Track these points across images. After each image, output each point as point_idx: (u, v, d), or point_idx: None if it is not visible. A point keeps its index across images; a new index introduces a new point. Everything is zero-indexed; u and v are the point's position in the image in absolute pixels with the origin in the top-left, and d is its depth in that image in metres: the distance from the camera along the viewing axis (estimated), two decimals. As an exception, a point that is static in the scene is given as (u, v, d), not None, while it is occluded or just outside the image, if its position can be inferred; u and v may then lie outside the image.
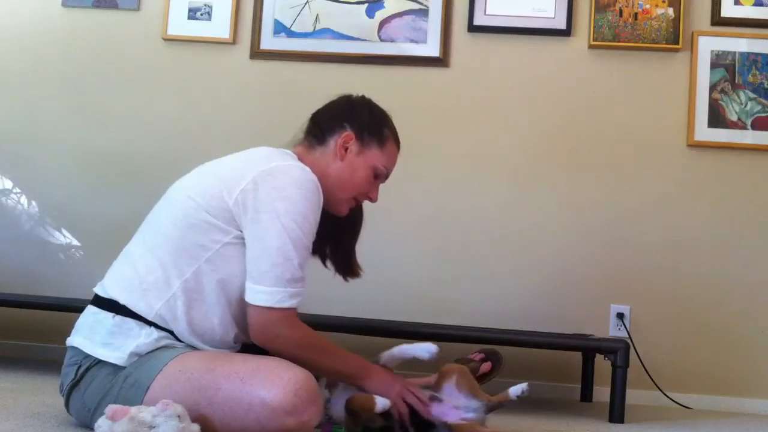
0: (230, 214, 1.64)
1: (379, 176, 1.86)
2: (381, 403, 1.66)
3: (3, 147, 3.32)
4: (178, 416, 1.41)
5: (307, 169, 1.69)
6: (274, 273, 1.61)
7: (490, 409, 1.77)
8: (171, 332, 1.63)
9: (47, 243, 3.26)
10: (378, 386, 1.73)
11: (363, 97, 1.92)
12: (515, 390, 1.76)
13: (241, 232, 1.64)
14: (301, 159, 1.78)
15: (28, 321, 3.17)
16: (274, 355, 1.64)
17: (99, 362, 1.61)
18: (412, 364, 1.87)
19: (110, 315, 1.63)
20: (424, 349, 1.78)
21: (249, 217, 1.63)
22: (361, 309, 2.99)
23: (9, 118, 3.33)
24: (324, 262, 1.93)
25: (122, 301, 1.63)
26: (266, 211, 1.62)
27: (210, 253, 1.64)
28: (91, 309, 1.69)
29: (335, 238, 1.91)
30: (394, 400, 1.71)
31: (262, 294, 1.61)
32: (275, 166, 1.66)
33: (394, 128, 1.90)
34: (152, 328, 1.61)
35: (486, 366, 2.10)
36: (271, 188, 1.63)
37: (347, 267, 1.96)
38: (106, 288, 1.68)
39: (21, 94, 3.33)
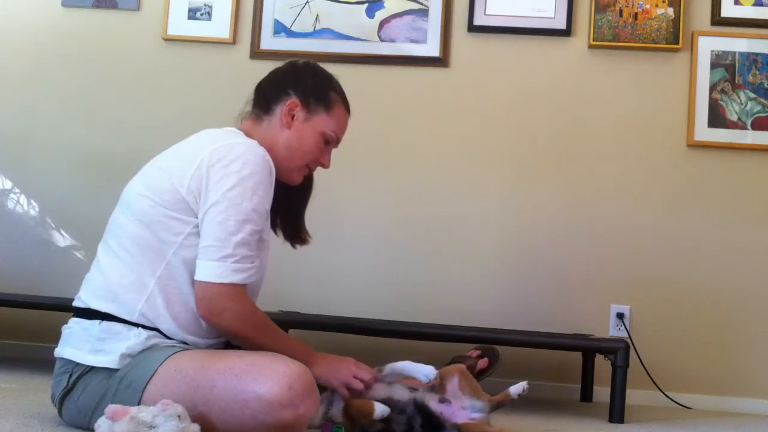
0: (186, 204, 1.63)
1: (330, 142, 1.83)
2: (380, 409, 1.65)
3: (3, 147, 3.32)
4: (178, 416, 1.41)
5: (254, 143, 1.68)
6: (215, 247, 1.60)
7: (493, 408, 1.78)
8: (158, 330, 1.63)
9: (47, 243, 3.26)
10: (323, 371, 1.70)
11: (307, 62, 1.89)
12: (516, 389, 1.77)
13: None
14: (248, 134, 1.77)
15: (28, 321, 3.16)
16: (223, 334, 1.63)
17: (91, 369, 1.61)
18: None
19: (96, 322, 1.63)
20: (423, 373, 1.73)
21: (201, 199, 1.62)
22: (361, 309, 2.99)
23: (9, 118, 3.33)
24: (275, 231, 1.91)
25: (103, 309, 1.63)
26: (214, 190, 1.61)
27: (175, 247, 1.63)
28: (74, 320, 1.68)
29: (285, 205, 1.89)
30: (336, 387, 1.70)
31: (205, 269, 1.60)
32: (221, 146, 1.65)
33: (342, 91, 1.86)
34: (139, 328, 1.61)
35: (483, 362, 2.11)
36: (219, 168, 1.62)
37: (296, 234, 1.93)
38: (83, 300, 1.68)
39: (21, 95, 3.33)
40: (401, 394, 1.75)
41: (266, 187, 1.66)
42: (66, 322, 1.71)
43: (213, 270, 1.60)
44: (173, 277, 1.64)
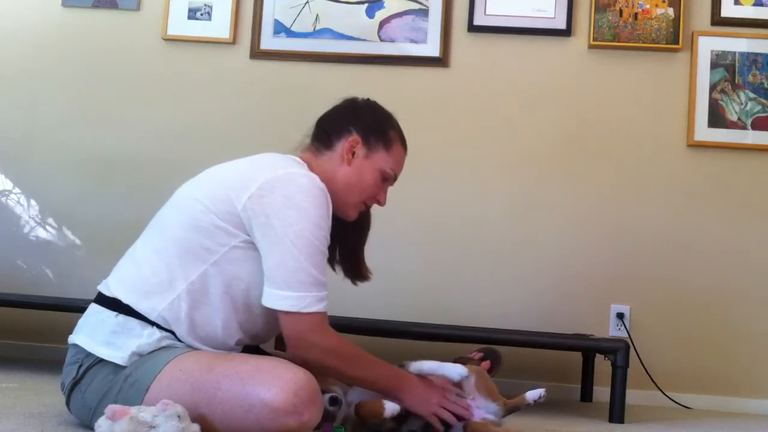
0: (238, 219, 1.63)
1: (387, 179, 1.84)
2: (390, 408, 1.65)
3: (3, 147, 3.32)
4: (178, 416, 1.41)
5: (315, 176, 1.68)
6: (296, 278, 1.60)
7: (507, 412, 1.78)
8: (173, 333, 1.63)
9: (47, 243, 3.26)
10: (414, 401, 1.71)
11: (368, 99, 1.90)
12: (533, 395, 1.76)
13: (249, 236, 1.64)
14: (308, 165, 1.77)
15: (28, 321, 3.16)
16: (305, 365, 1.62)
17: (100, 361, 1.61)
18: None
19: (113, 314, 1.63)
20: (456, 372, 1.73)
21: (260, 222, 1.61)
22: (362, 309, 2.98)
23: (9, 118, 3.33)
24: (333, 266, 1.92)
25: (125, 300, 1.63)
26: (278, 218, 1.61)
27: (217, 257, 1.63)
28: (94, 307, 1.69)
29: (343, 241, 1.90)
30: (428, 416, 1.70)
31: (288, 299, 1.60)
32: (283, 174, 1.65)
33: (400, 130, 1.89)
34: (154, 328, 1.61)
35: (485, 365, 2.11)
36: (280, 196, 1.62)
37: (356, 270, 1.94)
38: (110, 287, 1.68)
39: (20, 94, 3.33)
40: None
41: (327, 221, 1.67)
42: (66, 322, 1.71)
43: (298, 301, 1.60)
44: (206, 286, 1.64)
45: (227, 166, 1.75)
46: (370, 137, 1.81)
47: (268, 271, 1.62)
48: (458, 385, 1.78)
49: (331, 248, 1.83)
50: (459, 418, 1.72)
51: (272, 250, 1.61)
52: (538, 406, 2.62)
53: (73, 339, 1.68)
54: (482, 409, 1.75)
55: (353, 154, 1.80)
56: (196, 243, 1.63)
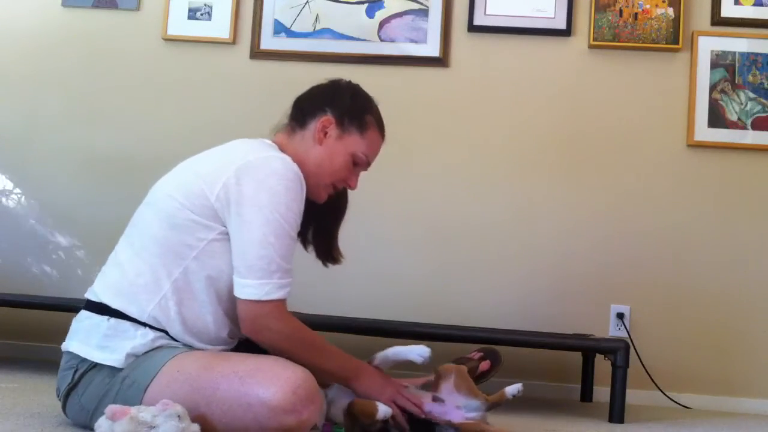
0: (213, 211, 1.63)
1: (360, 164, 1.82)
2: (383, 411, 1.65)
3: (3, 147, 3.32)
4: (178, 416, 1.41)
5: (288, 158, 1.67)
6: (259, 265, 1.60)
7: (489, 408, 1.78)
8: (166, 332, 1.63)
9: (47, 243, 3.26)
10: (368, 389, 1.72)
11: (349, 82, 1.88)
12: (511, 389, 1.77)
13: (225, 227, 1.64)
14: (282, 147, 1.76)
15: (28, 321, 3.17)
16: (266, 349, 1.64)
17: (96, 365, 1.60)
18: (409, 365, 1.86)
19: (104, 318, 1.63)
20: (416, 353, 1.76)
21: (232, 210, 1.62)
22: (362, 309, 2.99)
23: (9, 118, 3.33)
24: (305, 247, 1.91)
25: (114, 305, 1.63)
26: (249, 204, 1.61)
27: (197, 251, 1.63)
28: (84, 313, 1.68)
29: (318, 222, 1.89)
30: (385, 402, 1.70)
31: (249, 288, 1.61)
32: (255, 159, 1.65)
33: (379, 116, 1.85)
34: (147, 328, 1.61)
35: (485, 365, 2.10)
36: (252, 181, 1.62)
37: (328, 253, 1.93)
38: (96, 293, 1.68)
39: (21, 95, 3.33)
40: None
41: (300, 203, 1.66)
42: (66, 322, 1.71)
43: (257, 289, 1.60)
44: (189, 282, 1.64)
45: (200, 158, 1.75)
46: (345, 119, 1.79)
47: (234, 259, 1.62)
48: (436, 384, 1.78)
49: (305, 229, 1.84)
50: (414, 418, 1.72)
51: (239, 237, 1.62)
52: (538, 406, 2.63)
53: (66, 346, 1.67)
54: (463, 408, 1.74)
55: (325, 134, 1.78)
56: (175, 240, 1.63)
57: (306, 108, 1.83)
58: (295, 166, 1.66)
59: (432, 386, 1.79)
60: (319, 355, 1.69)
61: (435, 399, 1.76)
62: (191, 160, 1.76)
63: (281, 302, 1.64)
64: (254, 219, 1.60)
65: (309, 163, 1.76)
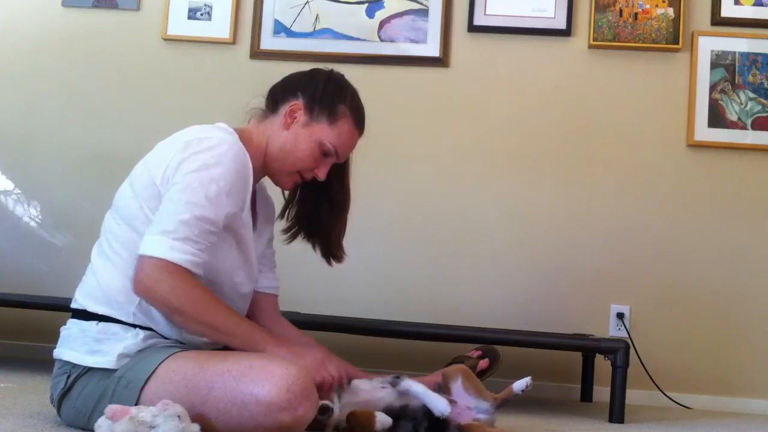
0: (161, 198, 1.61)
1: (328, 154, 1.75)
2: (381, 423, 1.64)
3: (3, 147, 3.32)
4: (178, 416, 1.41)
5: (230, 137, 1.64)
6: (159, 222, 1.56)
7: (498, 407, 1.77)
8: (155, 330, 1.63)
9: (47, 243, 3.26)
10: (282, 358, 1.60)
11: (331, 70, 1.84)
12: (519, 384, 1.75)
13: None
14: (248, 131, 1.75)
15: (28, 321, 3.16)
16: (260, 349, 1.59)
17: (89, 370, 1.60)
18: (412, 362, 1.86)
19: (93, 323, 1.62)
20: (439, 409, 1.65)
21: (169, 187, 1.60)
22: (361, 309, 2.99)
23: (9, 118, 3.33)
24: (313, 246, 1.90)
25: (99, 312, 1.62)
26: (178, 174, 1.59)
27: None
28: (71, 321, 1.68)
29: (315, 218, 1.87)
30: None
31: (145, 244, 1.56)
32: (196, 137, 1.64)
33: (357, 109, 1.80)
34: (137, 329, 1.61)
35: (484, 363, 2.10)
36: (188, 156, 1.60)
37: (328, 250, 1.90)
38: (80, 302, 1.67)
39: (21, 94, 3.33)
40: (415, 402, 1.72)
41: (231, 181, 1.60)
42: (65, 323, 1.71)
43: (153, 245, 1.55)
44: None
45: (153, 150, 1.73)
46: (315, 106, 1.75)
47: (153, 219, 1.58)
48: (446, 387, 1.77)
49: (308, 227, 1.83)
50: (430, 420, 1.68)
51: (164, 199, 1.59)
52: (538, 406, 2.63)
53: (58, 354, 1.66)
54: (474, 409, 1.73)
55: (294, 119, 1.75)
56: (137, 239, 1.61)
57: (279, 93, 1.81)
58: (237, 146, 1.64)
59: (444, 389, 1.78)
60: (221, 318, 1.59)
61: (450, 402, 1.74)
62: (148, 153, 1.74)
63: (179, 267, 1.54)
64: (177, 183, 1.58)
65: (274, 146, 1.74)
